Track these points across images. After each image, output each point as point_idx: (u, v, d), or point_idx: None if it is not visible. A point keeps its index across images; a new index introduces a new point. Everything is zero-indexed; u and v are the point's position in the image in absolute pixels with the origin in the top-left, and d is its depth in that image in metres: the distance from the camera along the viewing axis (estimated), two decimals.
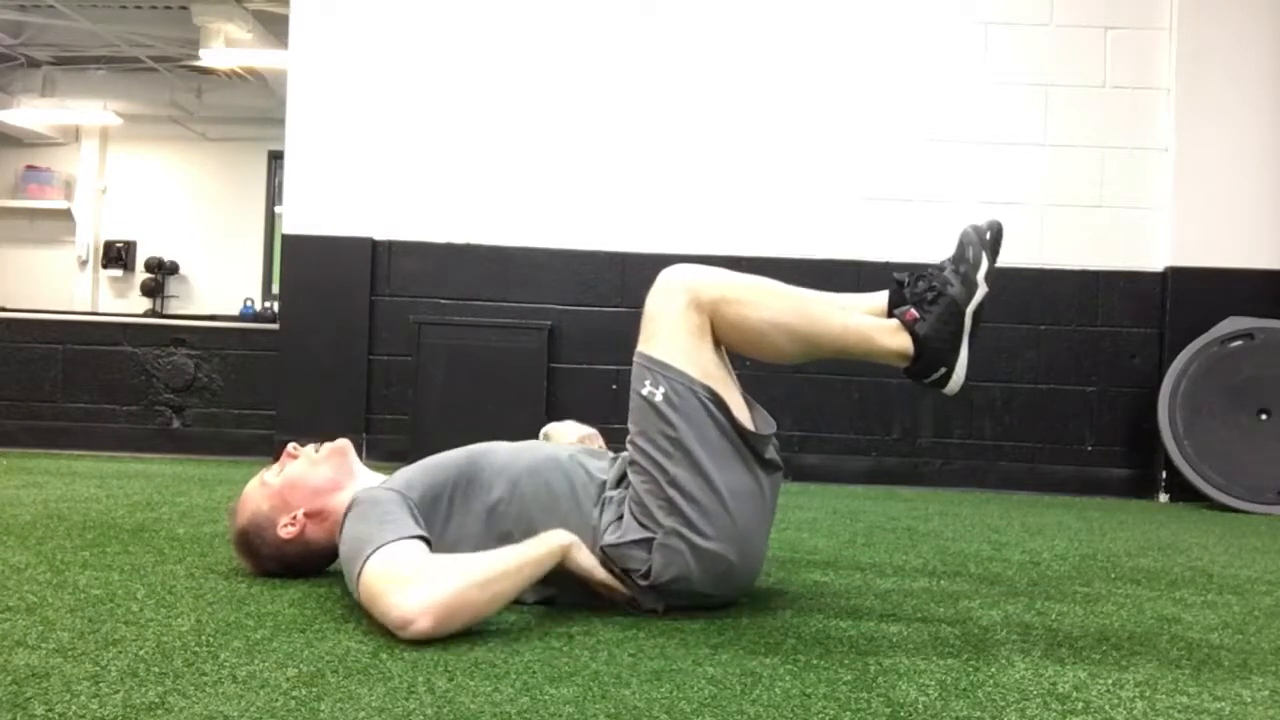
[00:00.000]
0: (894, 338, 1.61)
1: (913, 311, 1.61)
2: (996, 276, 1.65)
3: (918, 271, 1.65)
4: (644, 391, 1.56)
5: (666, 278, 1.62)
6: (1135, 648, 1.47)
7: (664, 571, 1.52)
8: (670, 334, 1.57)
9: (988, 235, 1.64)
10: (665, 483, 1.52)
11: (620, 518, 1.55)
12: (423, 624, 1.33)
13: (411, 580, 1.36)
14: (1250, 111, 3.94)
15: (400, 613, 1.33)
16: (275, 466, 1.73)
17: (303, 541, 1.68)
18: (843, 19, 4.05)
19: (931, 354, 1.60)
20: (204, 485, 3.14)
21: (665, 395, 1.54)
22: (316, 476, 1.69)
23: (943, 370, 1.62)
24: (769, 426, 1.61)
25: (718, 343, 1.60)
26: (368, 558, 1.41)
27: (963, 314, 1.60)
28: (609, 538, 1.54)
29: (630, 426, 1.58)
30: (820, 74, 4.05)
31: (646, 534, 1.52)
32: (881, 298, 1.66)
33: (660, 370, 1.55)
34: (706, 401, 1.54)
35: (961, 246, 1.64)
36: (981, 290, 1.62)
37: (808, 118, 4.05)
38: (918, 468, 4.03)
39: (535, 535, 1.56)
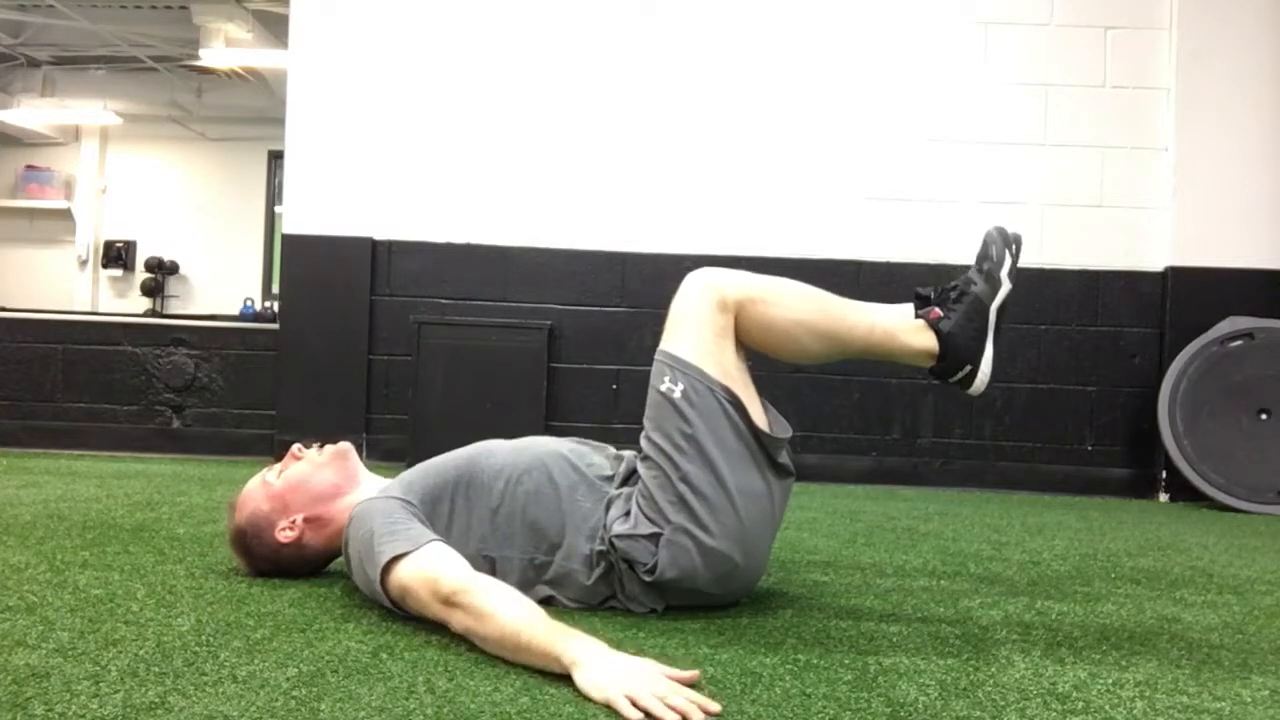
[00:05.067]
0: (919, 336, 1.63)
1: (937, 310, 1.64)
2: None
3: (940, 285, 1.68)
4: (663, 388, 1.56)
5: (693, 278, 1.63)
6: (1135, 648, 1.47)
7: (669, 568, 1.52)
8: (693, 333, 1.58)
9: (1011, 236, 1.68)
10: (677, 478, 1.52)
11: (629, 512, 1.56)
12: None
13: (457, 594, 1.35)
14: (1250, 111, 3.94)
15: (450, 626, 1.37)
16: (277, 466, 1.73)
17: (299, 546, 1.68)
18: (843, 19, 4.05)
19: (956, 351, 1.62)
20: (204, 485, 3.14)
21: (684, 392, 1.54)
22: (319, 481, 1.68)
23: (968, 368, 1.64)
24: (784, 431, 1.62)
25: (740, 345, 1.61)
26: (397, 559, 1.42)
27: (987, 310, 1.63)
28: (619, 528, 1.54)
29: (645, 422, 1.59)
30: (820, 74, 4.05)
31: (655, 529, 1.52)
32: (906, 309, 1.68)
33: (680, 368, 1.56)
34: (724, 401, 1.54)
35: (985, 246, 1.68)
36: (1006, 287, 1.64)
37: (808, 117, 4.05)
38: (918, 468, 4.03)
39: (540, 533, 1.57)
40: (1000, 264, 1.65)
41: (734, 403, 1.55)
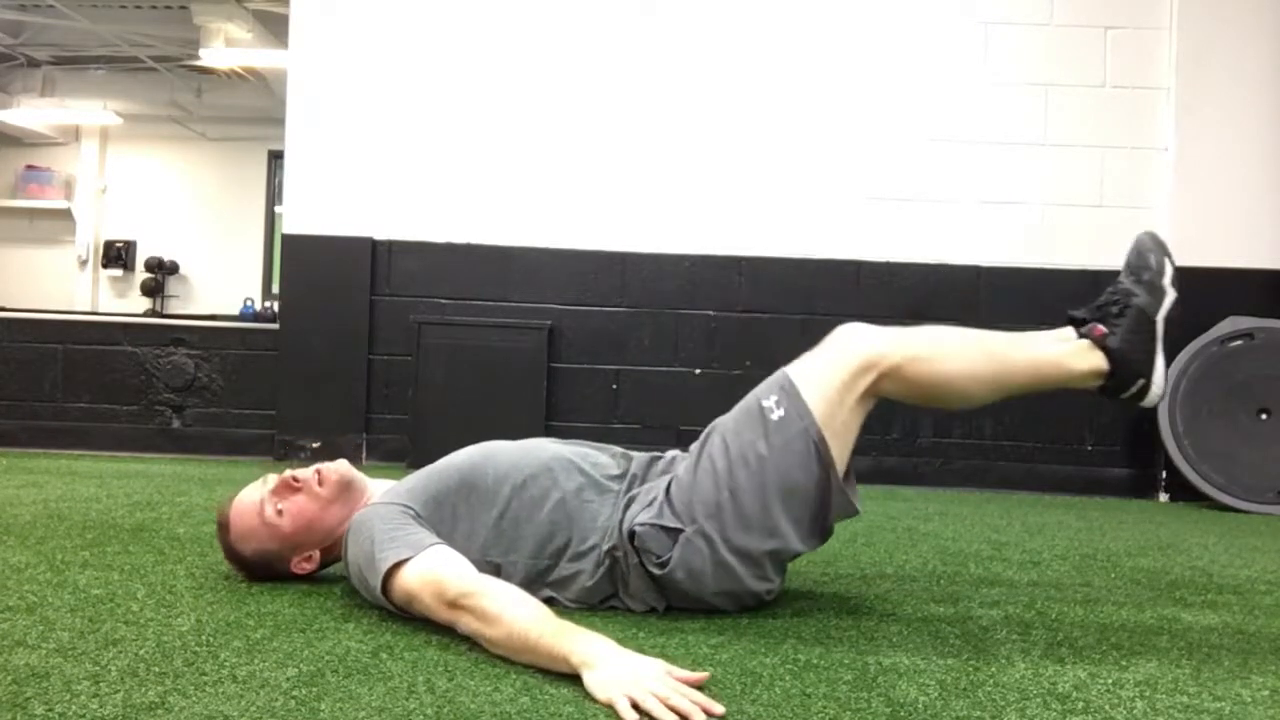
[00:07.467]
0: (1086, 357, 1.61)
1: (1100, 327, 1.61)
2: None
3: (1094, 302, 1.65)
4: (766, 403, 1.55)
5: (852, 332, 1.59)
6: (1135, 648, 1.47)
7: (679, 567, 1.51)
8: (823, 375, 1.56)
9: (1164, 241, 1.67)
10: (726, 485, 1.51)
11: (654, 500, 1.55)
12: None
13: (463, 597, 1.35)
14: (1250, 111, 3.94)
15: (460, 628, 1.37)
16: (274, 496, 1.63)
17: (315, 568, 1.70)
18: (843, 19, 4.05)
19: (1128, 367, 1.60)
20: (204, 485, 3.14)
21: (780, 419, 1.53)
22: (330, 518, 1.64)
23: (1140, 382, 1.61)
24: (851, 508, 1.60)
25: (867, 399, 1.57)
26: (398, 566, 1.41)
27: (1154, 322, 1.62)
28: (643, 516, 1.52)
29: (729, 419, 1.58)
30: (821, 74, 4.05)
31: (678, 525, 1.51)
32: (1064, 332, 1.65)
33: (792, 396, 1.54)
34: (814, 445, 1.53)
35: (1140, 254, 1.66)
36: (1170, 296, 1.64)
37: (808, 118, 4.04)
38: (918, 468, 4.02)
39: (547, 537, 1.56)
40: (1161, 272, 1.64)
41: (821, 454, 1.53)
